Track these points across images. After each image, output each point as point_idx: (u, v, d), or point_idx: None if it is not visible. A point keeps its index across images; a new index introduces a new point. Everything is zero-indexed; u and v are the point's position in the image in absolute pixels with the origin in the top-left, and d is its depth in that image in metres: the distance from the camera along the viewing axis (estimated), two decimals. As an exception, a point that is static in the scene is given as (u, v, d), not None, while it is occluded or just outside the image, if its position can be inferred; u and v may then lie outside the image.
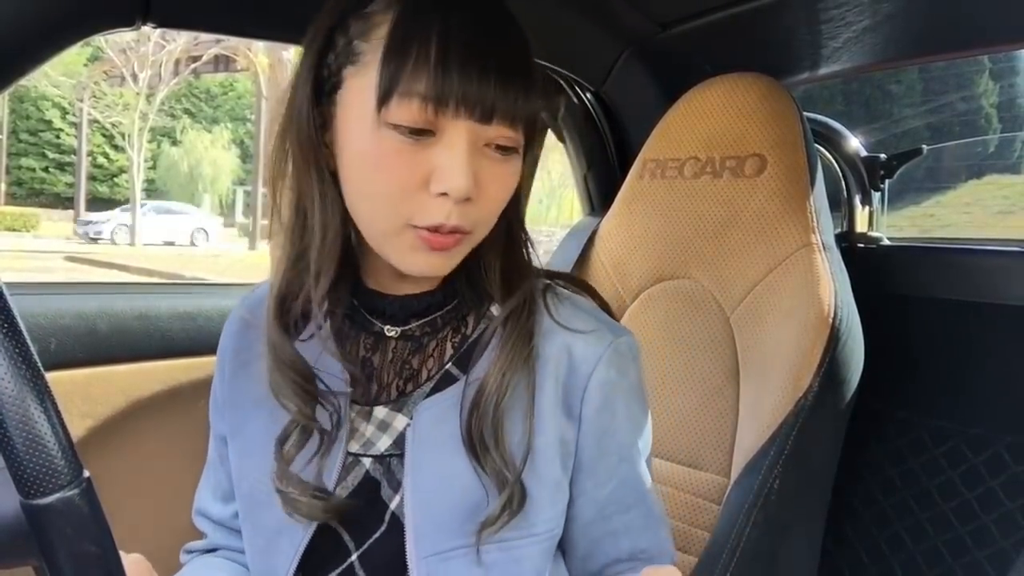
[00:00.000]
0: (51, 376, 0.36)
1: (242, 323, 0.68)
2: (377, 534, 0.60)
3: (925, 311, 1.12)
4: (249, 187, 18.32)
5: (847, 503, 1.14)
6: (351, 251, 0.63)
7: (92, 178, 21.07)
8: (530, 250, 0.65)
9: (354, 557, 0.60)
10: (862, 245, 1.24)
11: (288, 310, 0.61)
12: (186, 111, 22.75)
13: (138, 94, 15.40)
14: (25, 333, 0.36)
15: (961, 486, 1.05)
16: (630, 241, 1.13)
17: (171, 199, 18.86)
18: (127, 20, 0.75)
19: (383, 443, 0.61)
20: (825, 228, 0.96)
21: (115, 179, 21.93)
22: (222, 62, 15.37)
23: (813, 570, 0.97)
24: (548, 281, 0.67)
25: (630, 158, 1.23)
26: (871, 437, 1.13)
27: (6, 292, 0.36)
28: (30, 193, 20.09)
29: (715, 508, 0.95)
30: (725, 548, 0.81)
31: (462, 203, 0.54)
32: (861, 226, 1.26)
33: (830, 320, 0.87)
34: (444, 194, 0.54)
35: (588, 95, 1.36)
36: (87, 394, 0.99)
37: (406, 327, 0.64)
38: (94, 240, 15.24)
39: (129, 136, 15.80)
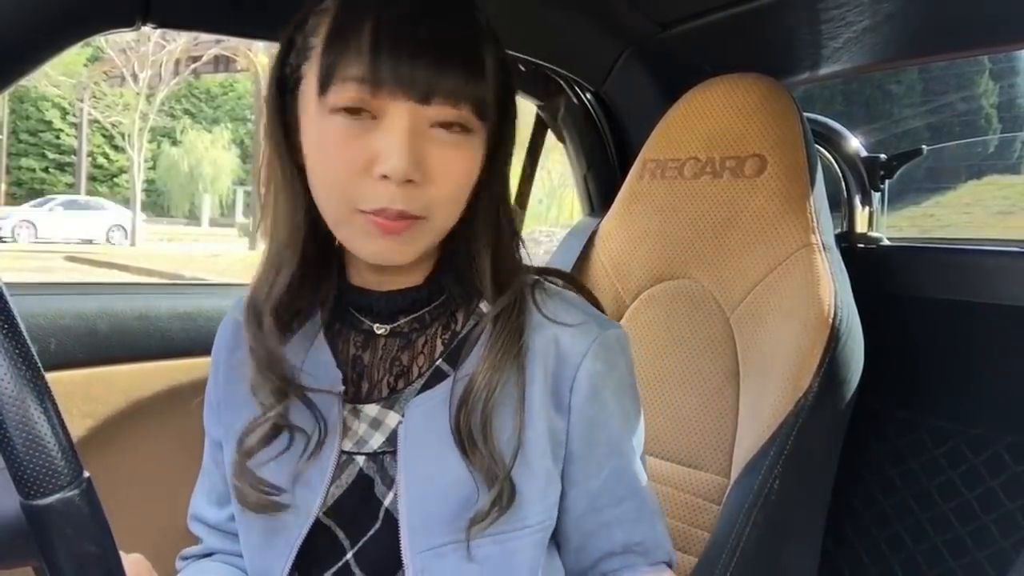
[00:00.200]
0: (51, 376, 0.36)
1: (235, 324, 0.68)
2: (372, 531, 0.60)
3: (925, 311, 1.12)
4: (249, 187, 18.31)
5: (847, 503, 1.13)
6: (334, 249, 0.64)
7: (92, 178, 21.05)
8: (520, 247, 0.65)
9: (349, 555, 0.60)
10: (862, 245, 1.24)
11: (262, 309, 0.62)
12: (186, 111, 22.74)
13: (138, 94, 15.36)
14: (25, 333, 0.36)
15: (961, 486, 1.05)
16: (630, 241, 1.13)
17: (171, 199, 18.78)
18: (127, 20, 0.75)
19: (376, 441, 0.61)
20: (825, 228, 0.96)
21: (115, 179, 21.93)
22: (222, 62, 15.33)
23: (813, 570, 0.97)
24: (537, 277, 0.67)
25: (630, 158, 1.23)
26: (871, 437, 1.13)
27: (6, 292, 0.36)
28: (30, 193, 20.05)
29: (715, 508, 0.95)
30: (725, 548, 0.81)
31: (405, 186, 0.54)
32: (861, 226, 1.26)
33: (830, 320, 0.87)
34: (386, 177, 0.54)
35: (588, 95, 1.36)
36: (87, 394, 0.99)
37: (395, 324, 0.64)
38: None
39: (129, 136, 15.76)
